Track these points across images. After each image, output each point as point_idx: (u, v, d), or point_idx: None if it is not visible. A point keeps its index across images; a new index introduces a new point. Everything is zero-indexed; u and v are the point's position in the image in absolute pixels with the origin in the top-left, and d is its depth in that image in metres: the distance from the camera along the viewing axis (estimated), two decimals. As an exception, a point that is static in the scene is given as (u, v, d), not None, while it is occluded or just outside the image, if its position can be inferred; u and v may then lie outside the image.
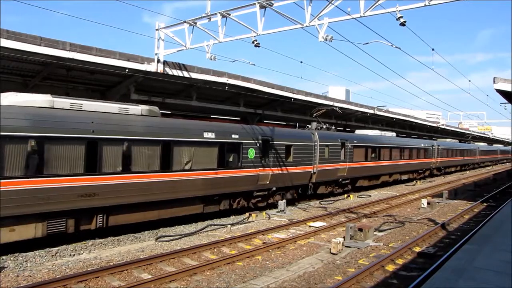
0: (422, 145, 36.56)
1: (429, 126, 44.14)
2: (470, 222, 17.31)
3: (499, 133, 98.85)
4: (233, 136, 16.07)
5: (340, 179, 23.56)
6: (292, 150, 19.17)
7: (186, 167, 14.22)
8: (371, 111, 30.39)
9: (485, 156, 65.52)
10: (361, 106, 29.45)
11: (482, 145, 65.67)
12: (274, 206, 18.66)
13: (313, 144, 20.66)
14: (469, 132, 61.42)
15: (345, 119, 31.68)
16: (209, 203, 15.41)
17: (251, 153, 16.70)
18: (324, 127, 23.31)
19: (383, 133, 30.34)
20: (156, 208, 13.53)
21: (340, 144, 22.97)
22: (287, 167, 18.79)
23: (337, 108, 23.69)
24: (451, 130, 51.88)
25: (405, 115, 38.63)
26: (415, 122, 40.32)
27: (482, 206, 21.90)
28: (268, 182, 17.70)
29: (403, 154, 31.94)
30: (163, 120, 14.20)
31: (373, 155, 26.97)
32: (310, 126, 22.78)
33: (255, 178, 17.03)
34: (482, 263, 7.96)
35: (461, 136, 59.60)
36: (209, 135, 15.04)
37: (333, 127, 24.55)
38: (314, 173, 20.71)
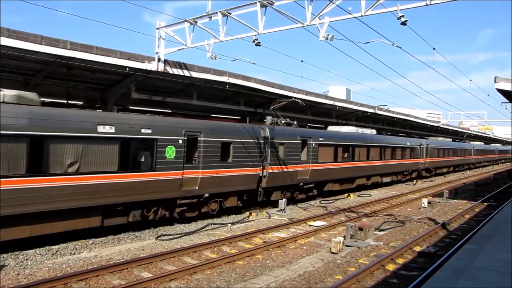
0: (408, 144, 33.16)
1: (422, 124, 42.86)
2: (470, 222, 17.31)
3: (500, 133, 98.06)
4: (143, 131, 13.12)
5: (301, 183, 20.22)
6: (231, 148, 16.07)
7: (70, 170, 11.32)
8: (372, 110, 30.37)
9: (481, 156, 62.15)
10: (362, 105, 29.43)
11: (478, 144, 62.31)
12: (274, 205, 18.66)
13: (262, 141, 17.45)
14: (464, 131, 58.36)
15: (346, 118, 31.67)
16: (111, 214, 12.61)
17: (170, 152, 13.83)
18: (283, 122, 20.22)
19: (360, 130, 27.21)
20: (26, 222, 10.67)
21: (300, 142, 19.87)
22: (225, 169, 15.74)
23: (299, 100, 19.90)
24: (444, 129, 49.41)
25: (405, 114, 38.57)
26: (415, 122, 40.26)
27: (482, 206, 21.89)
28: (197, 188, 14.69)
29: (384, 153, 28.61)
30: (38, 110, 11.07)
31: (345, 155, 23.82)
32: (265, 121, 19.63)
33: (177, 182, 14.05)
34: (483, 262, 7.96)
35: (456, 135, 57.32)
36: (106, 129, 12.25)
37: (295, 123, 21.11)
38: (264, 176, 17.53)
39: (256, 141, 17.21)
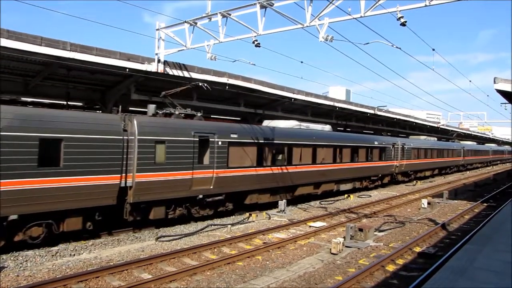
0: (376, 143, 27.77)
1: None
2: (470, 222, 17.30)
3: (499, 134, 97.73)
4: None
5: (201, 196, 14.94)
6: (64, 148, 11.24)
7: None
8: (371, 111, 30.39)
9: (473, 157, 56.53)
10: (361, 106, 29.46)
11: (469, 144, 56.93)
12: (274, 206, 18.64)
13: (121, 138, 12.42)
14: (454, 129, 52.68)
15: (346, 119, 31.70)
16: None
17: None
18: (177, 112, 15.36)
19: (304, 124, 21.93)
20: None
21: (196, 139, 14.59)
22: (52, 178, 11.02)
23: (204, 85, 15.51)
24: (431, 127, 44.99)
25: (405, 115, 38.59)
26: (415, 122, 40.26)
27: (482, 206, 21.89)
28: None
29: (340, 155, 23.43)
30: None
31: (279, 156, 18.92)
32: (147, 111, 14.71)
33: None
34: (482, 263, 7.96)
35: (444, 134, 52.43)
36: None
37: (199, 114, 16.09)
38: (130, 187, 12.75)
39: (108, 137, 12.18)
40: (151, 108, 14.51)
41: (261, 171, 17.73)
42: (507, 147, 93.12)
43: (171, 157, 13.85)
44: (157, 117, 14.41)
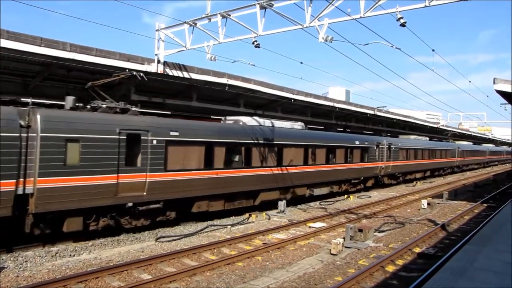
0: (357, 142, 25.08)
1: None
2: (470, 223, 17.30)
3: (499, 134, 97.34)
4: None
5: (130, 204, 12.69)
6: None
7: None
8: (371, 112, 30.41)
9: (468, 158, 53.82)
10: (361, 106, 29.47)
11: (465, 144, 55.07)
12: (274, 207, 18.65)
13: (17, 136, 10.29)
14: (449, 129, 50.00)
15: (345, 119, 31.71)
16: None
17: None
18: (104, 106, 13.01)
19: (268, 121, 19.18)
20: None
21: (122, 137, 12.37)
22: None
23: (138, 75, 13.27)
24: (422, 126, 43.29)
25: (405, 116, 38.62)
26: (414, 123, 40.29)
27: (482, 207, 21.89)
28: None
29: (314, 156, 20.97)
30: None
31: (235, 158, 16.60)
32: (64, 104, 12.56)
33: None
34: (482, 264, 7.96)
35: (438, 134, 50.09)
36: None
37: (133, 108, 13.69)
38: (31, 195, 10.59)
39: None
40: (69, 100, 12.32)
41: (211, 174, 15.23)
42: (505, 148, 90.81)
43: (88, 158, 11.56)
44: (71, 111, 12.03)
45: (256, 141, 17.28)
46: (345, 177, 24.30)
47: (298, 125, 21.10)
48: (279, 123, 19.66)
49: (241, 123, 17.65)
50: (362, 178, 26.21)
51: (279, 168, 18.64)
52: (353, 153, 24.60)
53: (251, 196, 17.61)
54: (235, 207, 16.76)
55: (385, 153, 28.48)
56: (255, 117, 18.81)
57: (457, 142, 52.56)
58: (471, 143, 62.05)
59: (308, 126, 27.11)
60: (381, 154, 28.00)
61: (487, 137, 70.63)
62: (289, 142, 19.23)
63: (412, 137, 38.45)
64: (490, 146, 75.06)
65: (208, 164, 15.22)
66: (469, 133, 60.70)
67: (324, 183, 22.26)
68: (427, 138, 41.51)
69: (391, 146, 29.53)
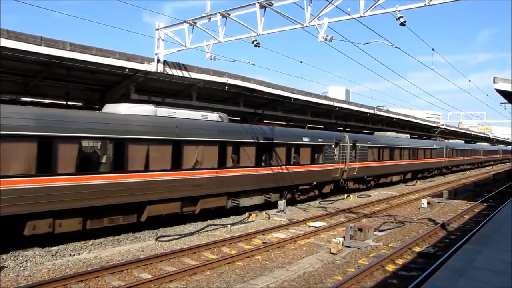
0: (306, 139, 20.68)
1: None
2: (470, 222, 17.31)
3: (499, 133, 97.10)
4: None
5: None
6: None
7: None
8: (371, 111, 30.38)
9: (459, 158, 49.24)
10: (361, 106, 29.45)
11: (456, 143, 50.82)
12: (275, 206, 18.65)
13: None
14: (439, 126, 45.01)
15: (345, 119, 31.70)
16: None
17: None
18: None
19: (167, 110, 14.56)
20: None
21: None
22: None
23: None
24: (403, 122, 38.22)
25: (404, 115, 38.53)
26: (414, 122, 40.20)
27: (482, 206, 21.90)
28: None
29: (236, 156, 16.64)
30: None
31: (102, 159, 12.82)
32: None
33: None
34: (482, 263, 7.96)
35: (425, 131, 45.45)
36: None
37: None
38: None
39: None
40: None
41: (58, 182, 11.13)
42: (502, 147, 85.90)
43: None
44: None
45: (135, 136, 12.85)
46: (288, 183, 19.52)
47: (214, 116, 16.33)
48: (180, 112, 15.02)
49: (118, 113, 13.23)
50: (314, 183, 21.55)
51: (177, 172, 14.10)
52: (299, 152, 20.26)
53: (131, 210, 13.08)
54: (103, 225, 12.42)
55: (348, 153, 23.96)
56: (145, 105, 14.21)
57: (447, 141, 49.20)
58: (462, 141, 56.79)
59: (309, 125, 27.14)
60: (343, 154, 23.51)
61: (481, 135, 66.47)
62: (194, 138, 14.72)
63: (390, 134, 33.53)
64: (485, 145, 69.67)
65: (47, 167, 10.93)
66: (461, 130, 55.00)
67: (255, 191, 17.75)
68: (408, 136, 36.65)
69: (357, 144, 25.13)
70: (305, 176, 20.77)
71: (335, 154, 22.90)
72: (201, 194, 15.12)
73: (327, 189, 22.99)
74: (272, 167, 18.46)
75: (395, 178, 32.18)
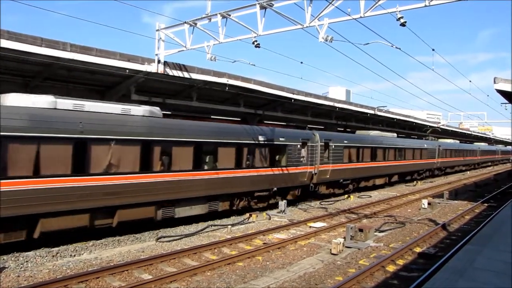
0: (262, 138, 17.87)
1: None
2: (470, 223, 17.30)
3: (500, 134, 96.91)
4: None
5: None
6: None
7: None
8: (371, 112, 30.37)
9: (453, 158, 45.85)
10: (361, 106, 29.45)
11: (449, 142, 47.15)
12: (275, 206, 18.65)
13: None
14: (429, 125, 42.31)
15: (345, 119, 31.70)
16: None
17: None
18: None
19: (91, 105, 12.47)
20: None
21: None
22: None
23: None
24: (393, 120, 35.10)
25: (405, 115, 38.49)
26: (415, 123, 40.13)
27: (482, 207, 21.88)
28: None
29: (168, 158, 14.14)
30: None
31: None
32: None
33: None
34: (483, 263, 7.96)
35: (417, 130, 42.64)
36: None
37: None
38: None
39: None
40: None
41: None
42: (500, 147, 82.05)
43: None
44: None
45: (19, 134, 10.46)
46: (240, 189, 16.88)
47: (140, 110, 13.74)
48: (93, 106, 12.50)
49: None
50: (274, 189, 18.64)
51: (80, 178, 11.65)
52: (254, 153, 17.57)
53: (22, 225, 10.74)
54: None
55: (318, 154, 21.22)
56: (44, 96, 11.71)
57: (440, 140, 46.16)
58: (457, 141, 53.02)
59: (309, 126, 27.11)
60: (312, 155, 20.81)
61: (478, 135, 63.44)
62: (106, 136, 12.24)
63: (373, 132, 30.25)
64: (482, 145, 66.26)
65: None
66: (456, 130, 51.76)
67: (196, 199, 15.10)
68: (395, 134, 33.63)
69: (331, 144, 22.41)
70: (262, 181, 17.85)
71: (302, 156, 20.28)
72: (119, 204, 12.54)
73: (292, 195, 20.33)
74: (218, 171, 15.78)
75: (379, 181, 29.19)
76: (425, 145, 37.78)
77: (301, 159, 20.24)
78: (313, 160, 21.01)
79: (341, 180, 24.00)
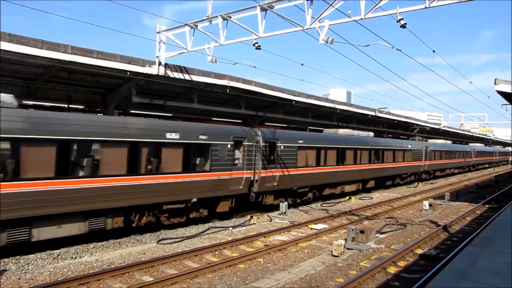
0: (176, 136, 14.47)
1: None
2: (472, 224, 17.28)
3: (501, 135, 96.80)
4: None
5: None
6: None
7: None
8: (372, 113, 30.35)
9: (443, 161, 42.53)
10: (362, 108, 29.44)
11: (440, 143, 43.10)
12: (276, 208, 18.64)
13: None
14: (418, 123, 38.99)
15: (346, 121, 31.69)
16: None
17: None
18: None
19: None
20: None
21: None
22: None
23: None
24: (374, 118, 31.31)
25: (406, 117, 38.39)
26: (415, 124, 40.07)
27: (484, 208, 21.86)
28: None
29: (43, 161, 10.96)
30: None
31: None
32: None
33: None
34: (484, 265, 7.94)
35: (402, 129, 39.20)
36: None
37: None
38: None
39: None
40: None
41: None
42: (498, 148, 78.07)
43: None
44: None
45: None
46: (137, 202, 13.14)
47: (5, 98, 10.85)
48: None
49: None
50: (193, 200, 14.94)
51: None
52: (160, 155, 13.98)
53: None
54: None
55: (260, 156, 17.71)
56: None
57: (430, 141, 42.62)
58: (449, 141, 49.02)
59: (310, 128, 27.08)
60: (250, 157, 17.29)
61: (473, 135, 60.33)
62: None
63: (341, 131, 26.48)
64: (478, 146, 62.84)
65: None
66: (448, 129, 47.64)
67: (69, 215, 11.53)
68: (372, 134, 29.95)
69: (279, 144, 18.79)
70: (174, 190, 14.21)
71: (235, 158, 16.76)
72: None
73: (224, 207, 16.41)
74: (102, 178, 12.17)
75: (349, 188, 25.06)
76: (409, 146, 34.11)
77: (235, 162, 16.75)
78: (251, 163, 17.30)
79: (295, 188, 20.08)
